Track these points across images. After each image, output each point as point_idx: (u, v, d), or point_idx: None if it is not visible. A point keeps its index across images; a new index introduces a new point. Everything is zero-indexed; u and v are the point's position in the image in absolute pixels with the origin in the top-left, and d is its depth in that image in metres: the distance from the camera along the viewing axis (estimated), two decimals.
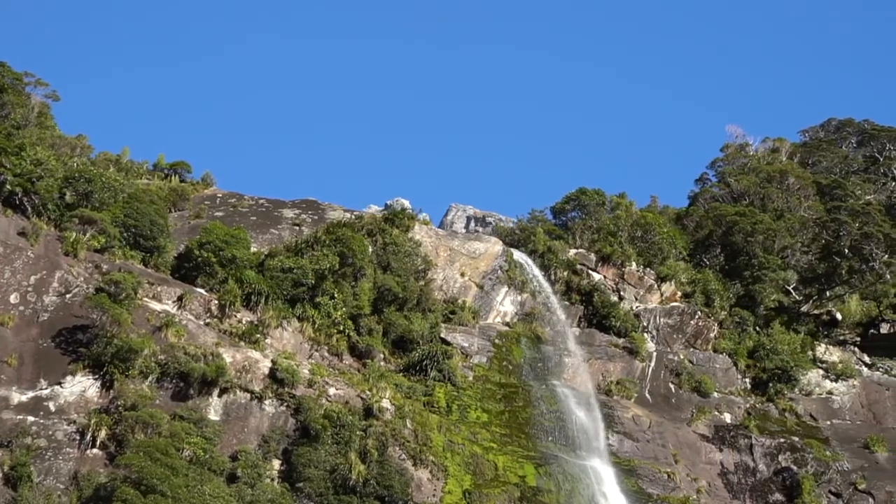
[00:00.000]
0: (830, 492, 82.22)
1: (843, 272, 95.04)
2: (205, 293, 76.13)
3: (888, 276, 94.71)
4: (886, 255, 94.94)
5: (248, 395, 71.14)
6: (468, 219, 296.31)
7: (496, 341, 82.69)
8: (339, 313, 78.55)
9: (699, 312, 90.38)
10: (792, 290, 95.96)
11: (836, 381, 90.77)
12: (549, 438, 77.33)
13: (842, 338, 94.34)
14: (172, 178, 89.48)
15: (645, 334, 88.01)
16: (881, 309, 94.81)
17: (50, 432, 66.47)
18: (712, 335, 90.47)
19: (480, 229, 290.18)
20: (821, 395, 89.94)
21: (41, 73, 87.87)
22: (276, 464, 69.47)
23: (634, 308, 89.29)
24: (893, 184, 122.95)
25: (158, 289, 74.82)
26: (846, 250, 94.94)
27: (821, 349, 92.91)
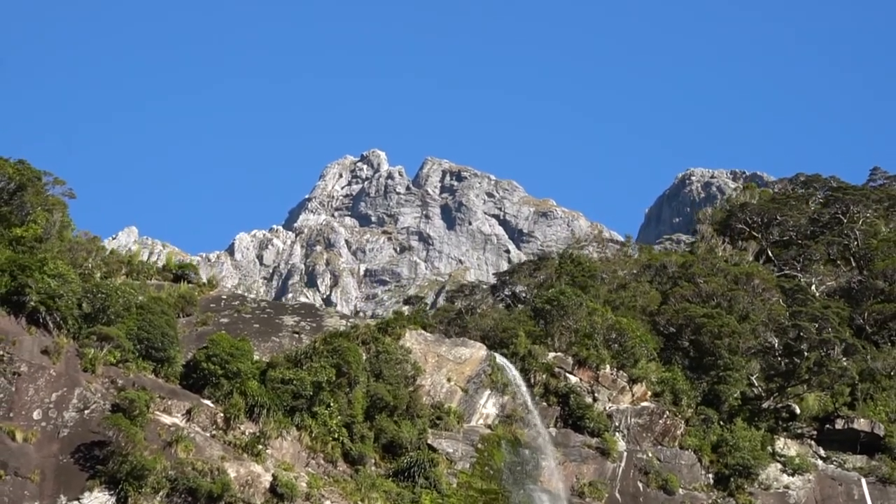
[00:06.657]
0: None
1: (803, 372, 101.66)
2: (211, 405, 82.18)
3: (844, 377, 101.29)
4: (843, 358, 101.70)
5: None
6: (444, 173, 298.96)
7: (479, 446, 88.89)
8: (334, 422, 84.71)
9: (667, 412, 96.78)
10: (755, 380, 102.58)
11: (792, 475, 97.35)
12: None
13: (799, 431, 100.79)
14: (182, 283, 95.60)
15: (616, 434, 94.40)
16: (836, 406, 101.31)
17: None
18: (679, 432, 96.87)
19: (456, 183, 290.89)
20: (778, 489, 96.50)
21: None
22: None
23: (607, 409, 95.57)
24: (856, 244, 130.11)
25: (169, 402, 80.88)
26: (806, 352, 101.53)
27: (780, 443, 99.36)
